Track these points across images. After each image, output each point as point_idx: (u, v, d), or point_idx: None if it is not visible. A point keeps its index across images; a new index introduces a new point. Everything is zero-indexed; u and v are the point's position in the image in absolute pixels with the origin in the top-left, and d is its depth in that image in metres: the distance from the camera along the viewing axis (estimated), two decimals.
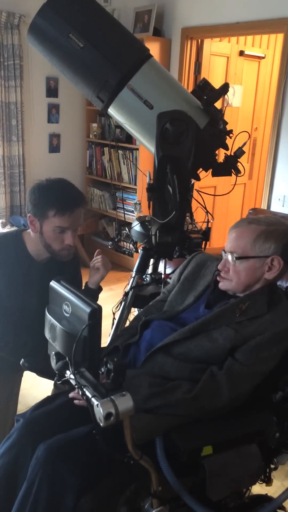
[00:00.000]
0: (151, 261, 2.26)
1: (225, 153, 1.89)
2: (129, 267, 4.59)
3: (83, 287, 1.96)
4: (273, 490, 1.76)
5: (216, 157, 1.91)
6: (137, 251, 2.19)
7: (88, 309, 1.11)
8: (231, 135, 1.86)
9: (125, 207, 4.38)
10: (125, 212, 4.32)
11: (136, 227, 2.11)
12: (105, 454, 1.17)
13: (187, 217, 1.99)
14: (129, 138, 4.40)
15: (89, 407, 1.06)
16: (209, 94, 1.78)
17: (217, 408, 1.29)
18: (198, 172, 1.92)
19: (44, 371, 1.53)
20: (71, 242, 1.74)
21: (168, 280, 2.02)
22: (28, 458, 1.33)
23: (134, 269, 2.18)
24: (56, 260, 1.81)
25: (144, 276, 2.22)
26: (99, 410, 1.01)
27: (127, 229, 2.25)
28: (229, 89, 1.85)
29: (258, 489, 1.68)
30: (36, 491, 1.24)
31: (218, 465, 1.24)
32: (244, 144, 1.89)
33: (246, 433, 1.32)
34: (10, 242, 1.81)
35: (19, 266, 1.78)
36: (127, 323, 2.08)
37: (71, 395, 1.43)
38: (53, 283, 1.28)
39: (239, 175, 1.90)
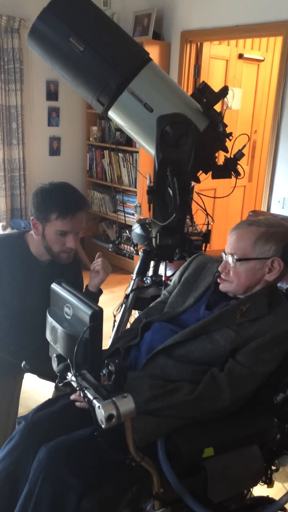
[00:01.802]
0: (152, 263, 2.26)
1: (224, 156, 1.90)
2: (129, 269, 4.59)
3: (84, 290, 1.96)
4: (275, 492, 1.76)
5: (216, 160, 1.92)
6: (137, 254, 2.19)
7: (89, 311, 1.11)
8: (230, 137, 1.87)
9: (125, 210, 4.38)
10: (126, 215, 4.32)
11: (137, 229, 2.12)
12: (106, 456, 1.17)
13: (187, 220, 2.00)
14: (129, 141, 4.41)
15: (91, 409, 1.06)
16: (208, 97, 1.79)
17: (218, 409, 1.29)
18: (198, 174, 1.92)
19: (45, 373, 1.53)
20: (72, 245, 1.74)
21: (169, 282, 2.02)
22: (30, 460, 1.33)
23: (135, 272, 2.19)
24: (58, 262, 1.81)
25: (144, 279, 2.23)
26: (101, 412, 1.01)
27: (127, 232, 2.25)
28: (229, 92, 1.85)
29: (259, 491, 1.68)
30: (38, 493, 1.25)
31: (220, 466, 1.24)
32: (244, 146, 1.90)
33: (247, 434, 1.32)
34: (14, 243, 1.82)
35: (22, 267, 1.78)
36: (128, 326, 2.09)
37: (72, 397, 1.43)
38: (54, 286, 1.28)
39: (238, 177, 1.90)
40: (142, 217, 2.22)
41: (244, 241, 1.42)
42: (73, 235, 1.74)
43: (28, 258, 1.80)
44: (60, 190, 1.74)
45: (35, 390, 2.61)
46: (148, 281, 2.24)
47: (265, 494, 1.60)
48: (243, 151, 1.89)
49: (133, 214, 4.23)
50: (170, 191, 1.72)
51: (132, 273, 2.20)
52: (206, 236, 2.02)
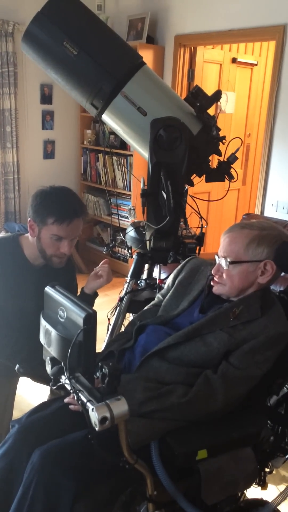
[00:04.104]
0: (146, 266, 2.26)
1: (218, 159, 1.91)
2: (124, 272, 4.59)
3: (78, 294, 1.96)
4: (268, 494, 1.77)
5: (210, 163, 1.92)
6: (131, 257, 2.20)
7: (83, 314, 1.11)
8: (224, 141, 1.88)
9: (119, 213, 4.39)
10: (120, 218, 4.32)
11: (131, 232, 2.12)
12: (100, 459, 1.17)
13: (181, 223, 2.00)
14: (124, 145, 4.42)
15: (84, 411, 1.06)
16: (201, 101, 1.80)
17: (212, 412, 1.29)
18: (192, 177, 1.93)
19: (39, 377, 1.53)
20: (66, 251, 1.74)
21: (163, 285, 2.03)
22: (24, 463, 1.33)
23: (129, 275, 2.19)
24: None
25: (139, 282, 2.23)
26: (94, 414, 1.02)
27: (121, 235, 2.26)
28: (222, 95, 1.87)
29: (254, 493, 1.68)
30: (31, 496, 1.24)
31: (213, 468, 1.24)
32: (237, 150, 1.91)
33: (241, 436, 1.33)
34: (7, 245, 1.82)
35: (15, 270, 1.78)
36: (122, 328, 2.09)
37: (66, 400, 1.43)
38: (48, 289, 1.28)
39: (232, 180, 1.92)
40: (136, 220, 2.23)
41: (237, 244, 1.43)
42: (69, 241, 1.74)
43: (21, 261, 1.80)
44: (59, 195, 1.74)
45: (29, 394, 2.61)
46: (143, 284, 2.24)
47: (259, 497, 1.60)
48: (236, 154, 1.90)
49: (127, 217, 4.24)
50: (164, 194, 1.72)
51: (127, 276, 2.21)
52: (200, 239, 2.03)
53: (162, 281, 2.13)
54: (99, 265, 1.92)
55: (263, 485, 1.49)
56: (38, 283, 1.59)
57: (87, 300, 1.88)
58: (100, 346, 1.61)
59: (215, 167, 1.91)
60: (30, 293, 1.77)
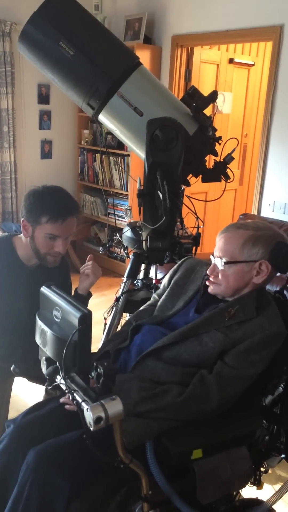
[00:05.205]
0: (142, 266, 2.27)
1: (214, 159, 1.91)
2: (120, 272, 4.60)
3: (73, 293, 1.96)
4: (264, 494, 1.77)
5: (206, 163, 1.93)
6: (128, 257, 2.20)
7: (78, 314, 1.12)
8: (220, 141, 1.88)
9: (116, 213, 4.39)
10: (117, 218, 4.33)
11: (127, 232, 2.13)
12: (95, 459, 1.17)
13: (178, 223, 2.01)
14: (121, 145, 4.43)
15: (79, 411, 1.06)
16: (198, 101, 1.81)
17: (207, 411, 1.30)
18: (188, 178, 1.93)
19: (35, 377, 1.53)
20: (61, 250, 1.74)
21: (159, 285, 2.03)
22: (19, 463, 1.33)
23: (125, 275, 2.19)
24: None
25: (135, 281, 2.23)
26: (89, 414, 1.02)
27: (118, 235, 2.26)
28: (219, 96, 1.87)
29: (249, 493, 1.69)
30: (26, 496, 1.24)
31: (208, 468, 1.25)
32: (233, 150, 1.91)
33: (236, 436, 1.33)
34: (0, 246, 1.81)
35: (9, 271, 1.78)
36: (119, 328, 2.09)
37: (61, 400, 1.44)
38: (43, 289, 1.29)
39: (228, 181, 1.92)
40: (132, 220, 2.23)
41: (232, 244, 1.43)
42: (63, 239, 1.74)
43: (15, 262, 1.80)
44: (52, 194, 1.74)
45: (25, 393, 2.61)
46: (139, 284, 2.25)
47: (254, 496, 1.61)
48: (233, 154, 1.90)
49: (124, 217, 4.25)
50: (160, 195, 1.73)
51: (123, 276, 2.21)
52: (196, 239, 2.03)
53: (159, 281, 2.13)
54: (85, 263, 1.92)
55: (259, 485, 1.50)
56: (32, 283, 1.60)
57: (81, 300, 1.88)
58: (96, 346, 1.61)
59: (212, 167, 1.92)
60: (24, 294, 1.77)
